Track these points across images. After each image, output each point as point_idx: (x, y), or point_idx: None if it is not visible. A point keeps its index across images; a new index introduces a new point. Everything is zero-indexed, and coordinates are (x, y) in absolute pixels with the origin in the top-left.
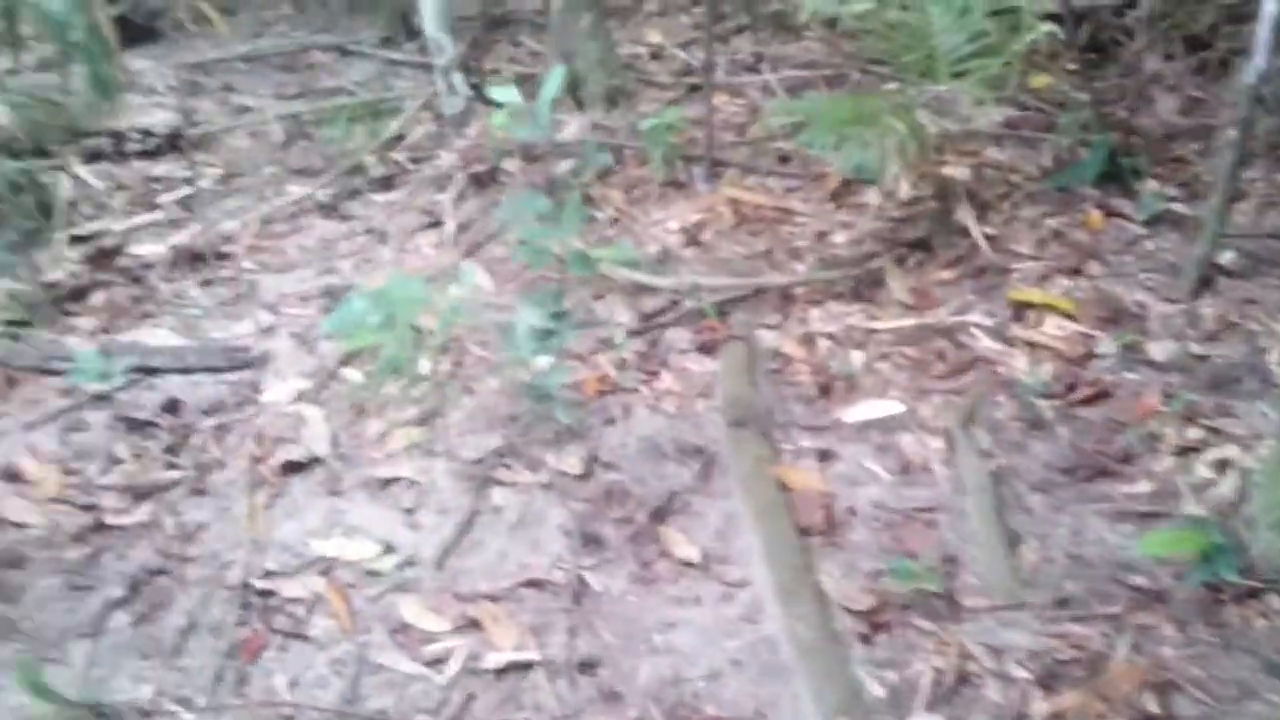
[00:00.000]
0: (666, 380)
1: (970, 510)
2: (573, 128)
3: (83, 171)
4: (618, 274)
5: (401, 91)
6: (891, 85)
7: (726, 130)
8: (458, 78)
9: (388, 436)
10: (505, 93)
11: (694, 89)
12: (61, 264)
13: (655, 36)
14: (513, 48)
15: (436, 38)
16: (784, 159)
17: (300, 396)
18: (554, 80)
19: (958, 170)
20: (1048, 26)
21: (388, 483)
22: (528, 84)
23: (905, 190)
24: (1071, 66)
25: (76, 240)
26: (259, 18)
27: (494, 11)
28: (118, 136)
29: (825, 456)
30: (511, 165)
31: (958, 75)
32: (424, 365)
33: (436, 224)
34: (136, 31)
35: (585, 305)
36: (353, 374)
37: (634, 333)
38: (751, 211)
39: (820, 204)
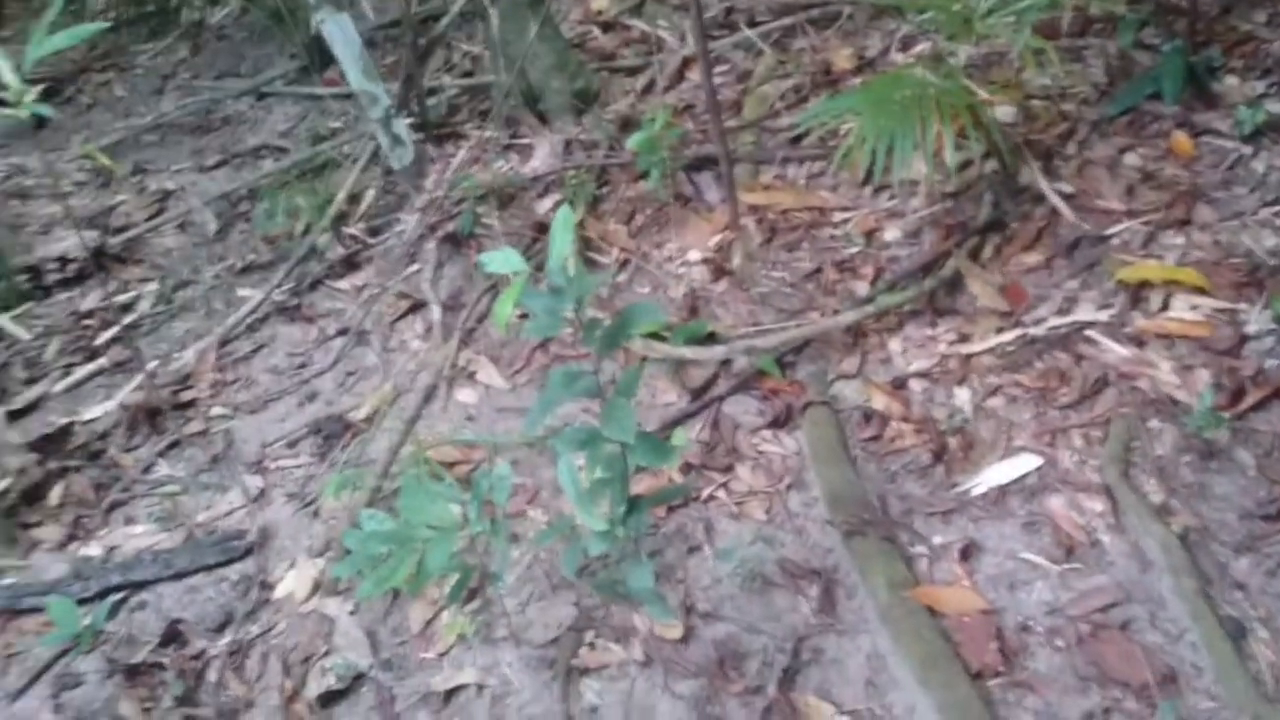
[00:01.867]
0: (744, 475)
1: (1168, 596)
2: (543, 152)
3: (4, 321)
4: (652, 348)
5: (335, 139)
6: (888, 19)
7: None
8: (400, 125)
9: (434, 625)
10: (505, 260)
11: (662, 65)
12: (5, 456)
13: (599, 2)
14: (448, 57)
15: (365, 89)
16: (796, 139)
17: (317, 586)
18: (563, 230)
19: (1000, 110)
20: None
21: (451, 694)
22: (474, 99)
23: (950, 155)
24: None
25: (15, 416)
26: (156, 69)
27: (418, 14)
28: (33, 271)
29: (968, 553)
30: (485, 212)
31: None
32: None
33: (418, 306)
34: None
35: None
36: None
37: (687, 415)
38: (779, 219)
39: (856, 190)
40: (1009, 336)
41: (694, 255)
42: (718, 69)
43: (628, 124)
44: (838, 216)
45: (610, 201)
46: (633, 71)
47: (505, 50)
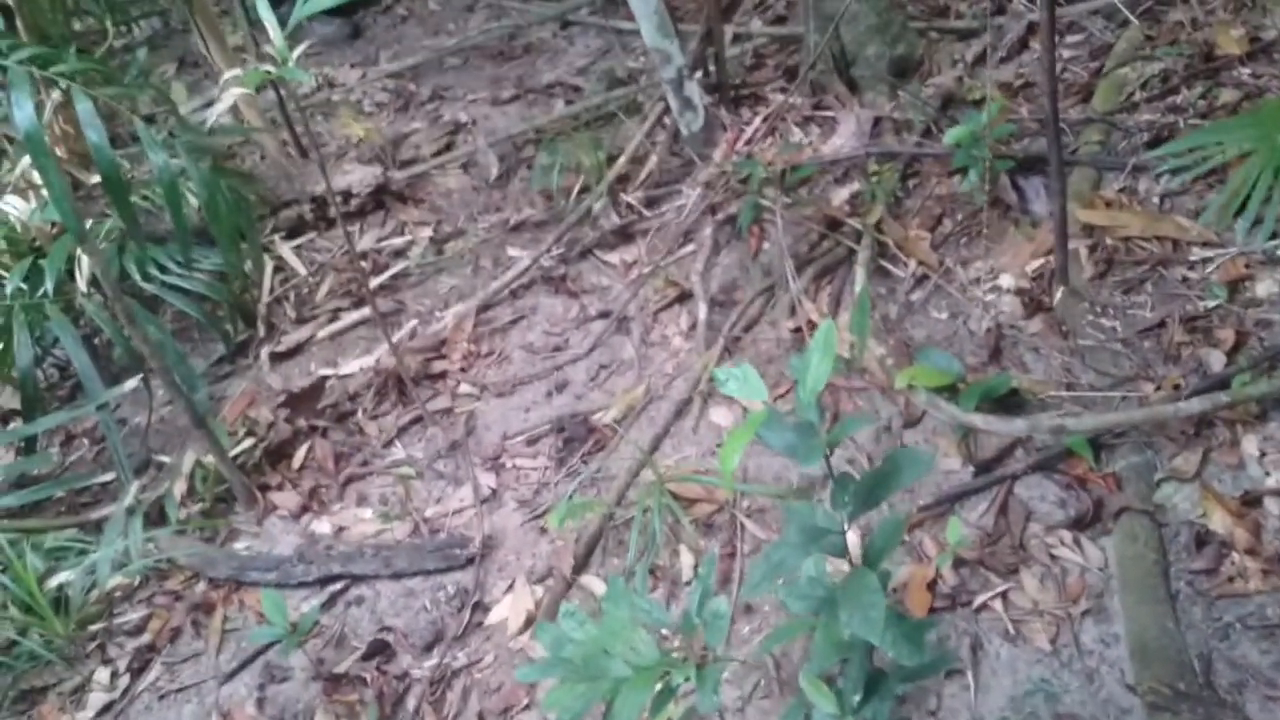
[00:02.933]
0: (1030, 585)
1: None
2: (847, 129)
3: (285, 251)
4: (937, 407)
5: (630, 84)
6: None
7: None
8: (692, 87)
9: None
10: (743, 384)
11: (1001, 31)
12: (260, 406)
13: None
14: (759, 17)
15: (658, 47)
16: (1155, 140)
17: (531, 621)
18: (823, 351)
19: None
20: None
21: None
22: (783, 51)
23: None
24: None
25: (278, 359)
26: None
27: None
28: (319, 201)
29: None
30: (772, 197)
31: None
32: (685, 560)
33: (685, 297)
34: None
35: (895, 437)
36: (595, 583)
37: (968, 491)
38: (1120, 247)
39: (1225, 220)
40: None
41: (1006, 280)
42: (1069, 38)
43: (950, 101)
44: (1196, 254)
45: (915, 198)
46: (965, 35)
47: (818, 6)
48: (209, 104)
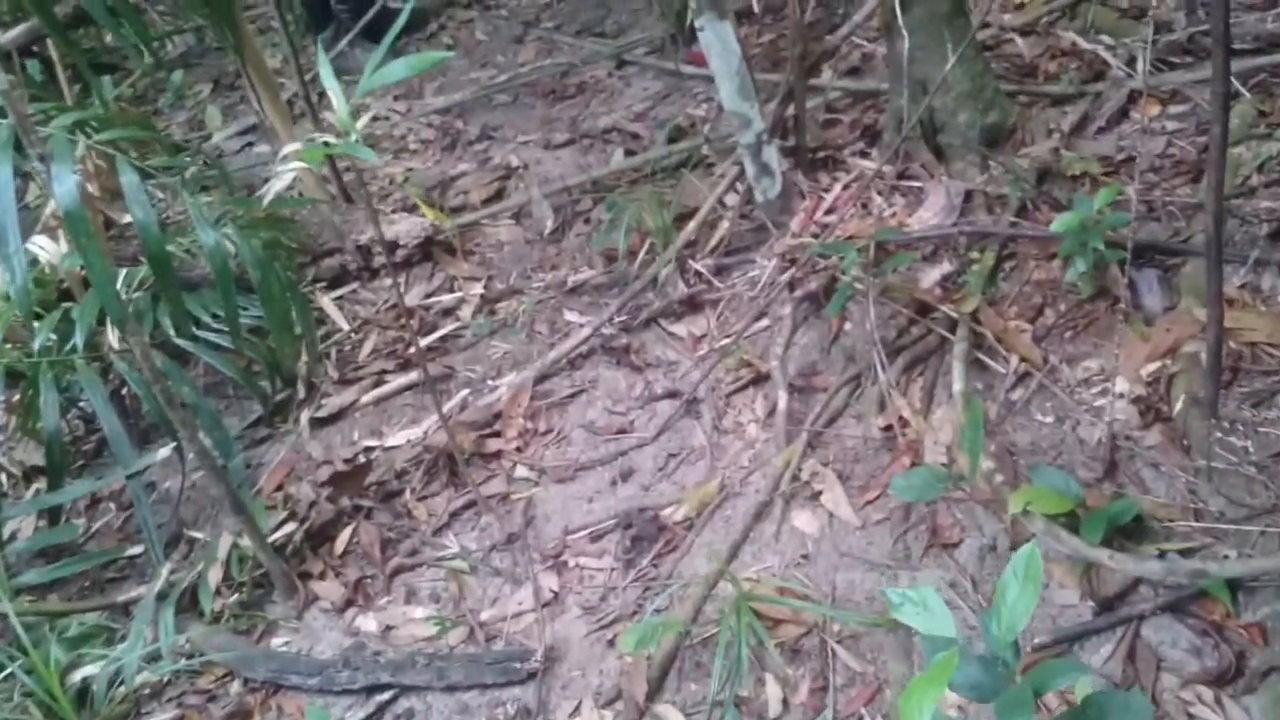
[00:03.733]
0: None
1: None
2: (936, 202)
3: (326, 303)
4: (1057, 537)
5: (694, 134)
6: None
7: (1164, 174)
8: (770, 152)
9: None
10: (924, 613)
11: (1100, 98)
12: (300, 479)
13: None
14: (831, 68)
15: (738, 110)
16: (1278, 232)
17: None
18: (1026, 584)
19: None
20: None
21: None
22: (858, 105)
23: None
24: None
25: (319, 424)
26: (520, 14)
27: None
28: (363, 251)
29: None
30: (859, 278)
31: None
32: (771, 691)
33: (761, 379)
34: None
35: (998, 553)
36: (671, 713)
37: (1090, 631)
38: (1245, 353)
39: None
40: None
41: (1120, 384)
42: (1171, 108)
43: (1046, 174)
44: None
45: (1012, 283)
46: (1059, 100)
47: (910, 69)
48: (245, 130)
